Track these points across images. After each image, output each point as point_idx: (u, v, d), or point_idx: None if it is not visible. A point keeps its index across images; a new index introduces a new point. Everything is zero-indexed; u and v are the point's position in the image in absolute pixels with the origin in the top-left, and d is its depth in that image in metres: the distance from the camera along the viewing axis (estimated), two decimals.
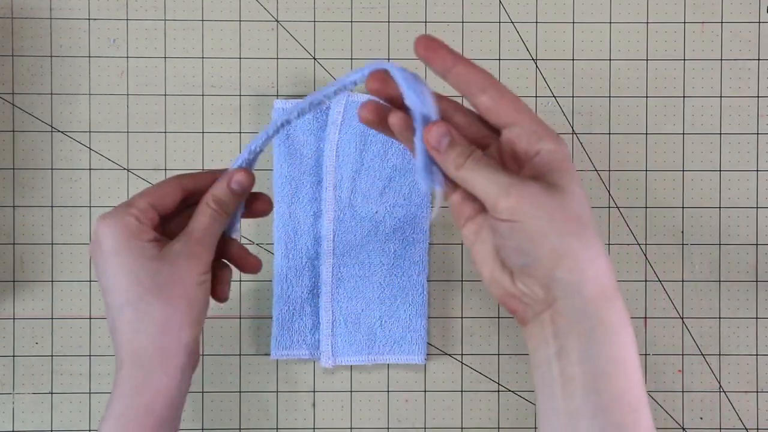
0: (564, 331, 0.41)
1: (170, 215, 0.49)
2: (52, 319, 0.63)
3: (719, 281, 0.64)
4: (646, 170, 0.64)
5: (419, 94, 0.42)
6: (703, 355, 0.64)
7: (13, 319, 0.63)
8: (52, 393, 0.63)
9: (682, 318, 0.64)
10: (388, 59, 0.63)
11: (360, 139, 0.62)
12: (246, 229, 0.63)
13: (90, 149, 0.63)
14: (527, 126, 0.42)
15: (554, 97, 0.64)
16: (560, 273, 0.41)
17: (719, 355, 0.64)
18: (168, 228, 0.49)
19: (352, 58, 0.63)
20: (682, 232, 0.64)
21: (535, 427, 0.63)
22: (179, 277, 0.47)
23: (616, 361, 0.41)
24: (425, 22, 0.63)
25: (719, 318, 0.64)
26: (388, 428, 0.63)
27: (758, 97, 0.64)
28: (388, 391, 0.63)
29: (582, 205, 0.41)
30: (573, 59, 0.64)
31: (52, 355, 0.63)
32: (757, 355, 0.64)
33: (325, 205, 0.62)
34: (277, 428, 0.63)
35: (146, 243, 0.46)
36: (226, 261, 0.52)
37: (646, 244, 0.64)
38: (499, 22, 0.64)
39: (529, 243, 0.41)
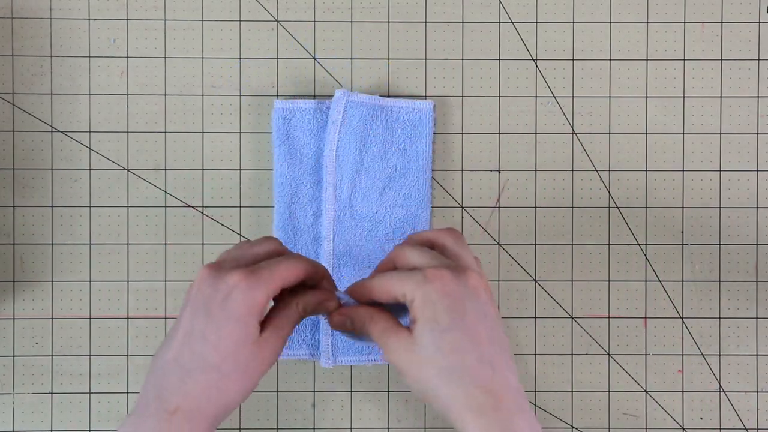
0: None
1: None
2: (52, 319, 0.63)
3: (719, 281, 0.64)
4: (646, 170, 0.64)
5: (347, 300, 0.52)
6: (703, 355, 0.64)
7: (13, 319, 0.63)
8: (52, 393, 0.63)
9: (682, 318, 0.64)
10: (388, 59, 0.63)
11: (360, 139, 0.62)
12: (246, 229, 0.63)
13: (90, 149, 0.63)
14: (398, 291, 0.49)
15: (554, 97, 0.64)
16: (432, 405, 0.48)
17: (719, 355, 0.64)
18: None
19: (352, 58, 0.63)
20: (682, 232, 0.64)
21: None
22: (262, 364, 0.50)
23: None
24: (425, 22, 0.63)
25: (719, 318, 0.64)
26: (388, 428, 0.63)
27: (758, 97, 0.64)
28: (388, 391, 0.63)
29: (433, 346, 0.47)
30: (573, 59, 0.64)
31: (52, 355, 0.63)
32: (757, 355, 0.64)
33: (325, 205, 0.62)
34: (277, 428, 0.63)
35: (258, 327, 0.49)
36: None
37: (646, 244, 0.64)
38: (499, 22, 0.64)
39: (412, 379, 0.48)
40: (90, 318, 0.63)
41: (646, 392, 0.64)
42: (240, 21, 0.63)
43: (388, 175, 0.62)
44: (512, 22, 0.64)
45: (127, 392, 0.63)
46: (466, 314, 0.48)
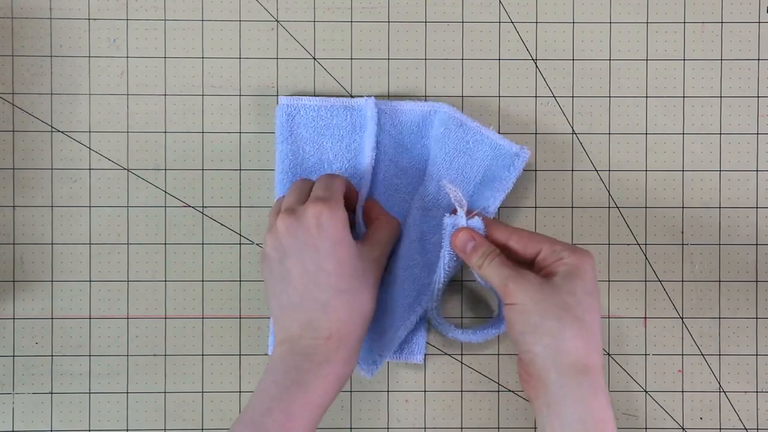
0: (548, 400, 0.52)
1: None
2: (52, 319, 0.63)
3: (719, 281, 0.64)
4: (646, 170, 0.64)
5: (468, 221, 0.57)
6: (703, 355, 0.64)
7: (13, 319, 0.63)
8: (52, 393, 0.63)
9: (682, 318, 0.64)
10: (388, 59, 0.63)
11: (382, 148, 0.62)
12: (246, 229, 0.63)
13: (90, 149, 0.63)
14: (548, 248, 0.55)
15: (554, 97, 0.64)
16: (538, 348, 0.52)
17: (719, 355, 0.64)
18: None
19: (352, 58, 0.63)
20: (682, 232, 0.64)
21: (535, 427, 0.63)
22: (373, 279, 0.57)
23: (585, 426, 0.51)
24: (425, 22, 0.63)
25: (719, 318, 0.64)
26: (388, 428, 0.63)
27: (758, 97, 0.64)
28: (388, 391, 0.63)
29: (575, 299, 0.52)
30: (573, 59, 0.64)
31: (52, 355, 0.63)
32: (757, 355, 0.64)
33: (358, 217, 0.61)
34: None
35: (354, 242, 0.56)
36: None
37: (646, 244, 0.64)
38: (499, 22, 0.64)
39: (520, 322, 0.53)
40: (90, 318, 0.63)
41: (646, 392, 0.64)
42: (240, 21, 0.63)
43: (405, 184, 0.62)
44: (512, 22, 0.64)
45: (127, 392, 0.63)
46: (597, 297, 0.54)
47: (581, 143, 0.64)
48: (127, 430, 0.63)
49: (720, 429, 0.64)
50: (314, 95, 0.63)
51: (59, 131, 0.63)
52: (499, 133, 0.63)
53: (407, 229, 0.61)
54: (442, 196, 0.61)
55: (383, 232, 0.59)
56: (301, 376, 0.53)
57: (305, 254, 0.54)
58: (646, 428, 0.64)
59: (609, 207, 0.64)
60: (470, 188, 0.61)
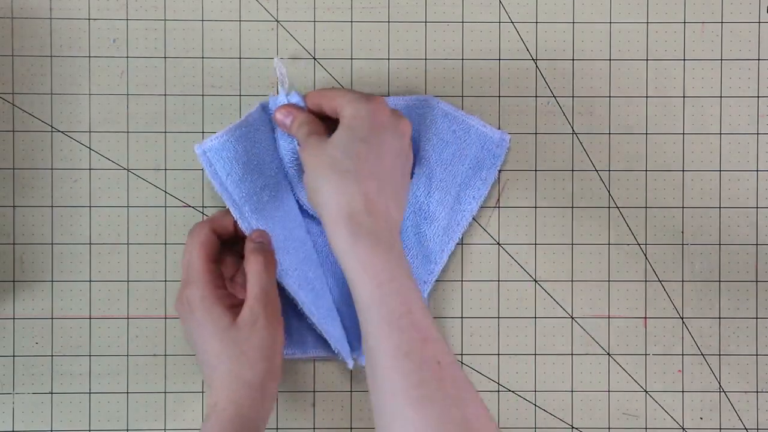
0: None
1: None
2: (52, 319, 0.63)
3: (719, 281, 0.64)
4: (646, 170, 0.64)
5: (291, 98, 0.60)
6: (703, 355, 0.64)
7: (13, 319, 0.63)
8: (52, 393, 0.63)
9: (682, 318, 0.64)
10: (388, 59, 0.63)
11: (433, 142, 0.62)
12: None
13: (90, 149, 0.63)
14: (340, 103, 0.57)
15: (554, 97, 0.64)
16: (317, 208, 0.55)
17: (719, 355, 0.64)
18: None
19: (352, 58, 0.63)
20: (682, 232, 0.64)
21: (535, 427, 0.63)
22: (261, 339, 0.57)
23: (351, 277, 0.53)
24: (425, 22, 0.63)
25: (719, 318, 0.64)
26: None
27: (758, 97, 0.64)
28: None
29: (341, 151, 0.54)
30: (573, 59, 0.64)
31: (52, 355, 0.63)
32: (757, 355, 0.64)
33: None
34: (277, 428, 0.63)
35: (224, 312, 0.56)
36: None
37: (646, 244, 0.64)
38: (499, 22, 0.64)
39: (307, 184, 0.56)
40: (90, 318, 0.63)
41: (646, 392, 0.64)
42: (240, 21, 0.63)
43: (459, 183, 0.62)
44: (512, 22, 0.64)
45: (127, 392, 0.63)
46: (383, 141, 0.55)
47: (581, 143, 0.64)
48: (127, 430, 0.63)
49: (720, 429, 0.64)
50: None
51: (59, 131, 0.63)
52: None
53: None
54: (433, 188, 0.61)
55: (253, 281, 0.57)
56: None
57: (193, 337, 0.57)
58: (646, 428, 0.64)
59: (609, 207, 0.64)
60: (459, 178, 0.61)
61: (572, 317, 0.64)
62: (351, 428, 0.63)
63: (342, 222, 0.52)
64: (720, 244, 0.64)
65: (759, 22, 0.64)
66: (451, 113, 0.61)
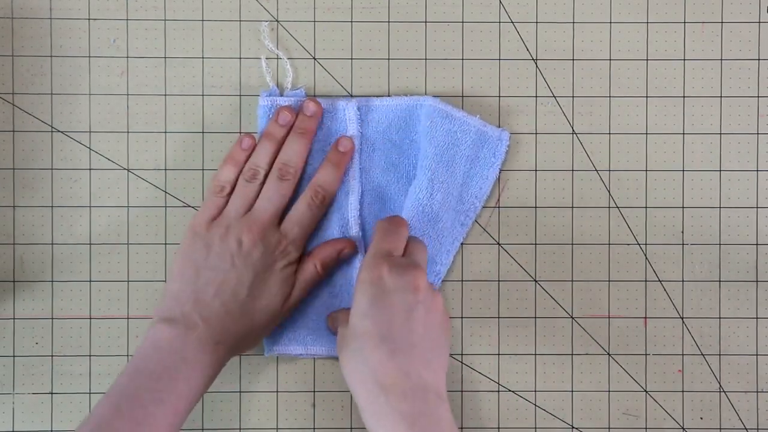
0: None
1: None
2: (52, 319, 0.63)
3: (719, 281, 0.64)
4: (646, 170, 0.64)
5: None
6: (703, 355, 0.64)
7: (13, 319, 0.63)
8: (52, 393, 0.63)
9: (682, 318, 0.64)
10: (388, 59, 0.63)
11: (371, 146, 0.62)
12: None
13: (90, 149, 0.63)
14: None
15: (554, 97, 0.64)
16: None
17: (719, 355, 0.64)
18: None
19: (352, 58, 0.63)
20: (682, 232, 0.64)
21: (535, 427, 0.63)
22: (278, 320, 0.59)
23: None
24: (425, 22, 0.63)
25: (719, 318, 0.64)
26: None
27: (758, 97, 0.64)
28: None
29: (351, 326, 0.52)
30: (573, 59, 0.64)
31: (52, 355, 0.63)
32: (757, 355, 0.64)
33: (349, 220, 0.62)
34: (277, 428, 0.63)
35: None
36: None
37: (646, 244, 0.64)
38: (499, 22, 0.64)
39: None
40: (90, 318, 0.63)
41: (646, 392, 0.64)
42: (240, 21, 0.63)
43: (405, 187, 0.62)
44: (512, 22, 0.64)
45: None
46: (387, 307, 0.51)
47: (581, 143, 0.64)
48: None
49: (720, 429, 0.64)
50: (314, 95, 0.63)
51: (59, 131, 0.63)
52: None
53: None
54: (435, 189, 0.61)
55: (306, 276, 0.59)
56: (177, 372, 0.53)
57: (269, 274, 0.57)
58: (646, 428, 0.64)
59: (609, 207, 0.64)
60: (460, 179, 0.61)
61: (572, 317, 0.64)
62: (351, 428, 0.63)
63: (361, 402, 0.50)
64: (720, 244, 0.64)
65: (759, 22, 0.64)
66: (451, 114, 0.61)
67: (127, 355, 0.63)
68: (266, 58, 0.63)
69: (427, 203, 0.61)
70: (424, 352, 0.51)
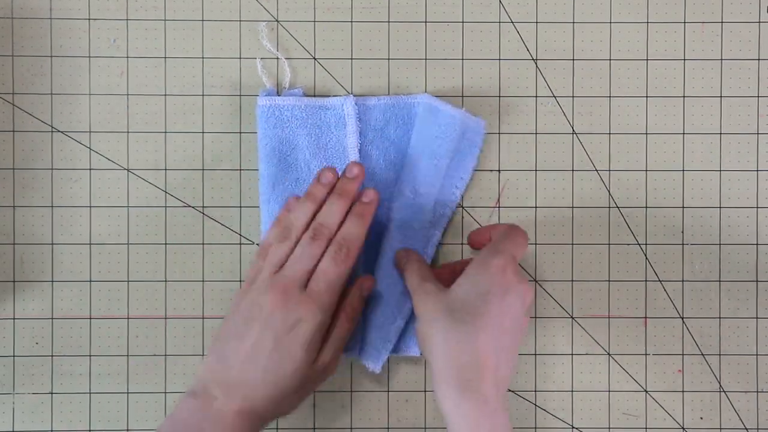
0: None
1: None
2: (52, 319, 0.63)
3: (719, 281, 0.64)
4: (646, 170, 0.64)
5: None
6: (703, 355, 0.64)
7: (13, 319, 0.63)
8: (52, 393, 0.63)
9: (682, 318, 0.64)
10: (388, 59, 0.63)
11: (369, 144, 0.62)
12: (246, 229, 0.63)
13: (90, 149, 0.63)
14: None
15: (554, 97, 0.64)
16: (423, 350, 0.54)
17: (719, 355, 0.64)
18: None
19: (352, 58, 0.63)
20: (682, 232, 0.64)
21: (535, 427, 0.63)
22: (317, 382, 0.57)
23: None
24: (425, 22, 0.63)
25: (719, 318, 0.64)
26: (388, 428, 0.63)
27: (758, 97, 0.64)
28: (388, 391, 0.63)
29: (456, 300, 0.53)
30: (573, 59, 0.64)
31: (52, 355, 0.63)
32: (757, 355, 0.64)
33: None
34: (277, 428, 0.63)
35: (317, 350, 0.56)
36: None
37: (646, 244, 0.64)
38: (499, 22, 0.64)
39: (419, 326, 0.54)
40: (90, 318, 0.63)
41: (646, 392, 0.64)
42: (240, 21, 0.63)
43: (394, 178, 0.62)
44: (512, 22, 0.64)
45: (127, 392, 0.63)
46: (505, 302, 0.52)
47: (581, 143, 0.64)
48: (127, 430, 0.63)
49: (720, 429, 0.64)
50: (314, 95, 0.63)
51: (59, 131, 0.63)
52: (499, 133, 0.63)
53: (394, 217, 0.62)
54: (419, 184, 0.61)
55: (339, 332, 0.57)
56: None
57: (268, 335, 0.54)
58: (646, 428, 0.64)
59: (609, 207, 0.64)
60: (443, 170, 0.61)
61: (572, 317, 0.64)
62: (351, 428, 0.63)
63: (450, 375, 0.51)
64: (720, 244, 0.64)
65: (759, 22, 0.64)
66: (438, 108, 0.61)
67: (127, 355, 0.63)
68: (264, 59, 0.63)
69: (413, 199, 0.61)
70: (511, 358, 0.53)
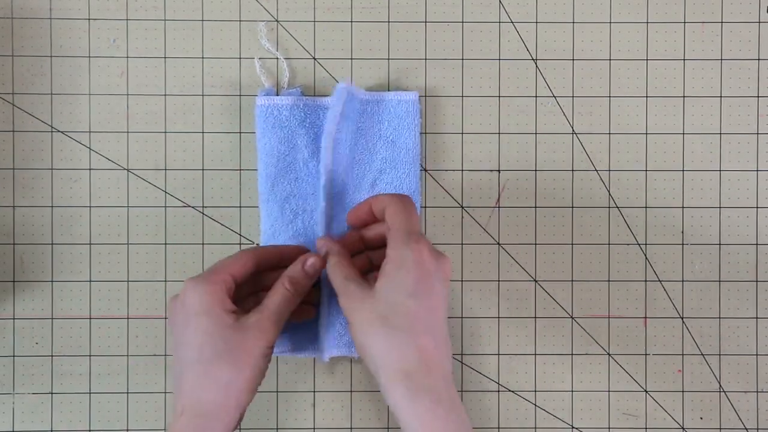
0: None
1: (244, 284, 0.56)
2: (52, 319, 0.63)
3: (719, 281, 0.64)
4: (646, 170, 0.64)
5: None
6: (703, 355, 0.64)
7: (13, 319, 0.63)
8: (52, 393, 0.63)
9: (682, 318, 0.64)
10: (388, 59, 0.63)
11: (353, 133, 0.62)
12: (246, 229, 0.63)
13: (90, 149, 0.63)
14: (388, 237, 0.54)
15: (554, 97, 0.64)
16: (364, 357, 0.52)
17: (719, 355, 0.64)
18: (241, 298, 0.57)
19: (352, 58, 0.63)
20: (682, 232, 0.64)
21: (535, 427, 0.63)
22: (248, 347, 0.53)
23: None
24: (425, 22, 0.63)
25: (719, 318, 0.64)
26: (387, 428, 0.63)
27: (758, 97, 0.64)
28: None
29: (386, 306, 0.51)
30: (573, 59, 0.64)
31: (52, 355, 0.63)
32: (757, 355, 0.64)
33: (319, 200, 0.61)
34: (277, 428, 0.63)
35: (225, 312, 0.53)
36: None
37: (646, 244, 0.64)
38: (499, 22, 0.64)
39: (354, 334, 0.52)
40: (90, 318, 0.63)
41: (646, 392, 0.64)
42: (240, 21, 0.63)
43: (379, 167, 0.62)
44: (512, 22, 0.64)
45: (127, 392, 0.63)
46: (432, 292, 0.52)
47: (581, 143, 0.64)
48: (127, 430, 0.63)
49: (720, 429, 0.64)
50: (314, 95, 0.63)
51: (59, 131, 0.63)
52: (499, 133, 0.63)
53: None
54: (355, 179, 0.62)
55: (274, 297, 0.55)
56: None
57: (174, 327, 0.54)
58: (646, 428, 0.64)
59: (609, 207, 0.64)
60: (378, 164, 0.62)
61: (572, 317, 0.64)
62: (351, 428, 0.63)
63: (398, 380, 0.50)
64: (720, 244, 0.64)
65: (759, 22, 0.64)
66: (366, 98, 0.62)
67: (127, 355, 0.63)
68: (262, 58, 0.63)
69: (368, 185, 0.62)
70: (449, 347, 0.53)
